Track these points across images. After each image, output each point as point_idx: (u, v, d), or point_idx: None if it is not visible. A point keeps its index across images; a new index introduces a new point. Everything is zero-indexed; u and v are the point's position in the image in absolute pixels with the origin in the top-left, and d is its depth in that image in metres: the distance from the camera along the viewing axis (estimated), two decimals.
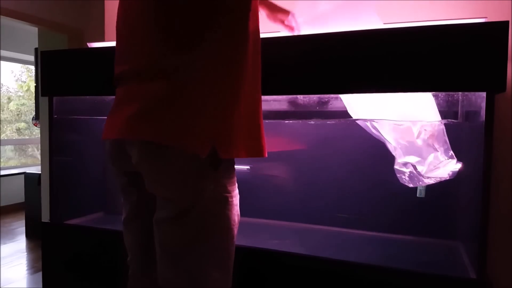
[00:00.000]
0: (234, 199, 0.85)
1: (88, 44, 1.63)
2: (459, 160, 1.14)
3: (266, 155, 0.90)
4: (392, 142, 1.17)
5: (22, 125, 5.00)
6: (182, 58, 0.80)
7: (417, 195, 1.25)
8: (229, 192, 0.84)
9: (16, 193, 4.04)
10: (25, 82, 5.01)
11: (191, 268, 0.82)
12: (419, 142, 1.14)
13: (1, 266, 2.60)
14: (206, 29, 0.80)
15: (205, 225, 0.82)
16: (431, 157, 1.13)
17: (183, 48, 0.81)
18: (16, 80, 4.96)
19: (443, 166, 1.11)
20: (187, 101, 0.79)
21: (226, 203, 0.83)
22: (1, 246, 3.00)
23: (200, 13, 0.81)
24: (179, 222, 0.81)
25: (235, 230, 0.86)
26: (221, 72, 0.81)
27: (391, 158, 1.40)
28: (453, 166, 1.11)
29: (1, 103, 4.71)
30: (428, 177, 1.13)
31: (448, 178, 1.12)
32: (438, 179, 1.13)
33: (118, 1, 0.94)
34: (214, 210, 0.82)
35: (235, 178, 0.88)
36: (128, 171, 0.93)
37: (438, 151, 1.12)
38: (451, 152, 1.13)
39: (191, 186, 0.81)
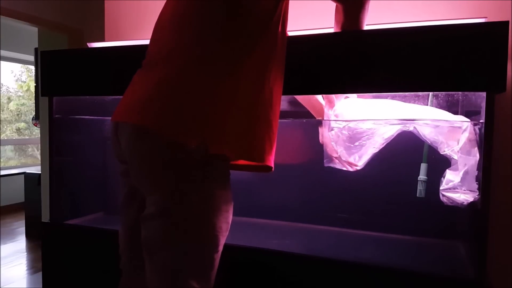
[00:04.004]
0: (223, 205, 0.81)
1: (88, 44, 1.63)
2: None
3: (268, 163, 0.86)
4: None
5: (22, 125, 5.00)
6: (189, 52, 0.82)
7: (417, 195, 1.25)
8: (218, 197, 0.81)
9: (16, 193, 4.05)
10: (25, 82, 5.01)
11: (166, 271, 0.80)
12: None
13: (1, 266, 2.60)
14: (219, 30, 0.82)
15: (187, 228, 0.79)
16: (457, 178, 1.10)
17: (194, 43, 0.83)
18: (16, 80, 4.96)
19: (462, 193, 1.07)
20: (183, 91, 0.79)
21: (212, 208, 0.80)
22: (1, 246, 3.00)
23: (219, 15, 0.83)
24: (158, 221, 0.80)
25: (222, 239, 0.82)
26: (223, 69, 0.81)
27: (390, 158, 1.40)
28: (471, 197, 1.06)
29: (1, 103, 4.71)
30: (442, 195, 1.11)
31: (459, 205, 1.08)
32: (450, 201, 1.09)
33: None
34: (196, 214, 0.79)
35: (228, 184, 0.84)
36: (123, 160, 0.93)
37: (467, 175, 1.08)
38: (477, 185, 1.07)
39: (173, 185, 0.79)
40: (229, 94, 0.80)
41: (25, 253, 2.89)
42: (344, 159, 1.22)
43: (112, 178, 1.75)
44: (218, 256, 0.83)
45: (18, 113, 4.98)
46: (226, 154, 0.82)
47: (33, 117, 3.67)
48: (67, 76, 1.45)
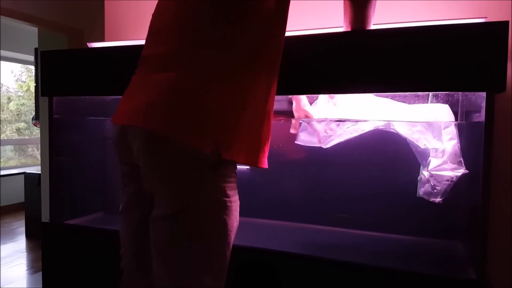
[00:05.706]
0: (233, 204, 0.84)
1: (88, 44, 1.63)
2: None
3: (266, 166, 0.89)
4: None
5: (22, 125, 5.00)
6: (199, 54, 0.82)
7: (417, 195, 1.25)
8: (228, 196, 0.83)
9: (16, 193, 4.05)
10: (25, 82, 5.01)
11: (181, 270, 0.81)
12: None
13: (1, 266, 2.60)
14: (227, 31, 0.82)
15: (199, 227, 0.81)
16: (438, 161, 1.14)
17: (202, 44, 0.82)
18: (16, 80, 4.96)
19: (450, 170, 1.12)
20: (196, 97, 0.80)
21: (224, 207, 0.82)
22: (1, 246, 3.00)
23: (225, 16, 0.83)
24: (172, 221, 0.81)
25: (232, 236, 0.85)
26: (234, 75, 0.82)
27: (390, 158, 1.40)
28: (459, 172, 1.12)
29: (1, 103, 4.71)
30: (431, 175, 1.14)
31: (449, 181, 1.13)
32: (441, 182, 1.13)
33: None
34: (210, 214, 0.81)
35: (236, 184, 0.87)
36: (128, 162, 0.93)
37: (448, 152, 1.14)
38: (461, 159, 1.14)
39: (188, 186, 0.80)
40: (240, 100, 0.82)
41: (25, 253, 2.89)
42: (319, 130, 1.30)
43: (112, 178, 1.75)
44: (229, 253, 0.85)
45: (18, 113, 4.98)
46: (237, 160, 0.84)
47: (33, 117, 3.67)
48: (67, 76, 1.45)
